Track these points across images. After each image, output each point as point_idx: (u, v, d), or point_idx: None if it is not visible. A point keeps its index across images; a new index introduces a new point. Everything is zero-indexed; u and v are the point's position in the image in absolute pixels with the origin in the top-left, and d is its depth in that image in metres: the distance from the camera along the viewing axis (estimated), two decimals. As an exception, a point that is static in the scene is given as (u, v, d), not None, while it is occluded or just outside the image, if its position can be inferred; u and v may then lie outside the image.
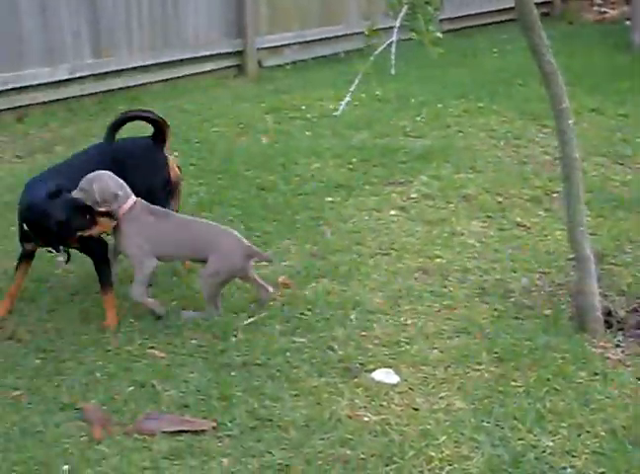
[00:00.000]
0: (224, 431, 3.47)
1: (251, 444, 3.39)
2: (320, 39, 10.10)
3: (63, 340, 4.19)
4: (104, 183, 4.19)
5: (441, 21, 9.21)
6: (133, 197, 4.29)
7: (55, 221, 4.12)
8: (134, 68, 8.46)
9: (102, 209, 4.20)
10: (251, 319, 4.27)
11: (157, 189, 4.59)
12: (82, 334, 4.24)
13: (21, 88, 7.74)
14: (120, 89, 8.35)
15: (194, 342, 4.12)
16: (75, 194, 4.18)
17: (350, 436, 3.40)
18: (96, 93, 8.21)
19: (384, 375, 3.82)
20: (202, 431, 3.47)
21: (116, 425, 3.54)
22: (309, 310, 4.35)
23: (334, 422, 3.50)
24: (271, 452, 3.34)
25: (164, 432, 3.47)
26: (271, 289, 4.43)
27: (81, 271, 4.80)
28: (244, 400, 3.65)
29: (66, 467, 3.29)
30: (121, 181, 4.27)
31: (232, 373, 3.84)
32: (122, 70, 8.37)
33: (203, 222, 4.55)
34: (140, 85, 8.49)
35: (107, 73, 8.26)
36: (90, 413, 3.61)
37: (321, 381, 3.78)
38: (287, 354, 3.97)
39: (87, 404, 3.68)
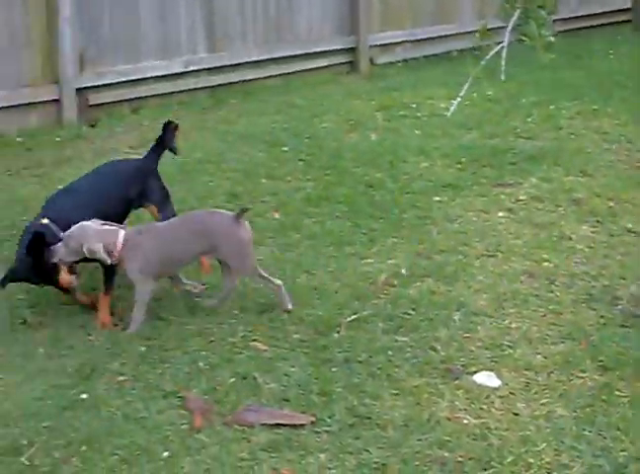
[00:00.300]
0: (323, 426, 3.48)
1: (349, 441, 3.39)
2: (432, 38, 10.05)
3: (169, 329, 4.27)
4: (91, 243, 4.17)
5: (555, 21, 9.08)
6: (121, 231, 4.28)
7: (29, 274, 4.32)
8: (248, 63, 8.56)
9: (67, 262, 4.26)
10: (354, 316, 4.28)
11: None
12: (187, 324, 4.32)
13: (137, 80, 7.94)
14: (233, 83, 8.46)
15: (296, 336, 4.15)
16: (58, 249, 4.19)
17: (448, 438, 3.37)
18: (209, 86, 8.34)
19: (486, 378, 3.77)
20: (301, 425, 3.49)
21: (216, 414, 3.59)
22: (413, 309, 4.33)
23: (433, 423, 3.47)
24: (368, 450, 3.34)
25: (263, 424, 3.50)
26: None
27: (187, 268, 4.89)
28: (344, 397, 3.66)
29: (166, 454, 3.35)
30: (101, 225, 4.25)
31: (333, 369, 3.86)
32: (236, 65, 8.48)
33: (190, 215, 4.60)
34: (253, 80, 8.59)
35: (220, 67, 8.39)
36: (191, 402, 3.67)
37: (422, 381, 3.75)
38: (389, 352, 3.96)
39: (189, 393, 3.74)
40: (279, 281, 4.38)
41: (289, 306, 4.35)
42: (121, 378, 3.90)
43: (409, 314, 4.29)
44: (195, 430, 3.51)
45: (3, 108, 7.35)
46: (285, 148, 6.59)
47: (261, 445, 3.39)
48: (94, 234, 4.21)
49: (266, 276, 4.37)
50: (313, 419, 3.52)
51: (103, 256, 4.20)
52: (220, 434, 3.46)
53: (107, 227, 4.27)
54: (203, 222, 4.34)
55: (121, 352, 4.11)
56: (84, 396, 3.77)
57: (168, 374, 3.91)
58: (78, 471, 3.30)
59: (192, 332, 4.25)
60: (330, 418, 3.52)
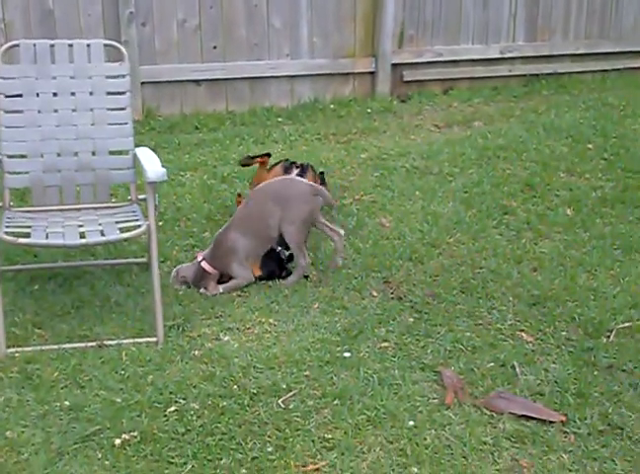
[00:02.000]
0: (572, 427, 3.42)
1: (595, 448, 3.30)
2: None
3: (439, 306, 4.34)
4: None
5: None
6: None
7: None
8: (565, 55, 8.38)
9: None
10: (627, 323, 4.13)
11: None
12: (458, 304, 4.36)
13: (452, 61, 8.01)
14: (548, 74, 8.33)
15: (564, 333, 4.07)
16: None
17: (703, 465, 3.21)
18: (523, 75, 8.26)
19: None
20: (551, 422, 3.44)
21: (468, 395, 3.62)
22: (692, 327, 4.12)
23: (690, 446, 3.31)
24: (614, 461, 3.24)
25: (512, 413, 3.49)
26: (342, 232, 4.78)
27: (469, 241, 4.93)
28: (600, 402, 3.56)
29: (411, 423, 3.43)
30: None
31: (595, 373, 3.76)
32: (553, 56, 8.33)
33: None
34: (569, 73, 8.40)
35: (537, 57, 8.27)
36: (447, 378, 3.72)
37: (686, 402, 3.58)
38: (657, 366, 3.81)
39: (446, 369, 3.79)
40: (341, 231, 4.78)
41: (339, 262, 4.75)
42: (385, 344, 4.02)
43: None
44: (444, 405, 3.56)
45: (323, 75, 7.69)
46: (590, 145, 6.41)
47: (506, 433, 3.39)
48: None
49: (329, 225, 4.75)
50: (564, 418, 3.46)
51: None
52: (468, 415, 3.49)
53: None
54: None
55: (390, 319, 4.23)
56: (347, 354, 3.93)
57: (430, 348, 3.98)
58: (327, 422, 3.46)
59: (461, 311, 4.29)
60: (581, 420, 3.45)
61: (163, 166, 4.10)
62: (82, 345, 4.06)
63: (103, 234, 4.03)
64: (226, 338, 4.13)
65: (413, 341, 4.06)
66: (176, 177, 6.02)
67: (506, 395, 3.60)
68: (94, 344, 4.06)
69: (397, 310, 4.32)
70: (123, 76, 4.48)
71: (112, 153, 4.51)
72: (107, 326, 4.23)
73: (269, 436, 3.40)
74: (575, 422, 3.44)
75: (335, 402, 3.58)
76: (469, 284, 4.54)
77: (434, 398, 3.63)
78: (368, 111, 7.58)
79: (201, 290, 4.57)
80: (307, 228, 4.63)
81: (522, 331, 4.11)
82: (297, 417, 3.50)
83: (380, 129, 7.12)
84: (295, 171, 5.26)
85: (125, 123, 4.50)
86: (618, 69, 8.56)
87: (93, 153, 4.48)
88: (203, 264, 4.60)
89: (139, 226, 4.10)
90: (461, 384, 3.69)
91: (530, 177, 5.85)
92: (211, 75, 7.39)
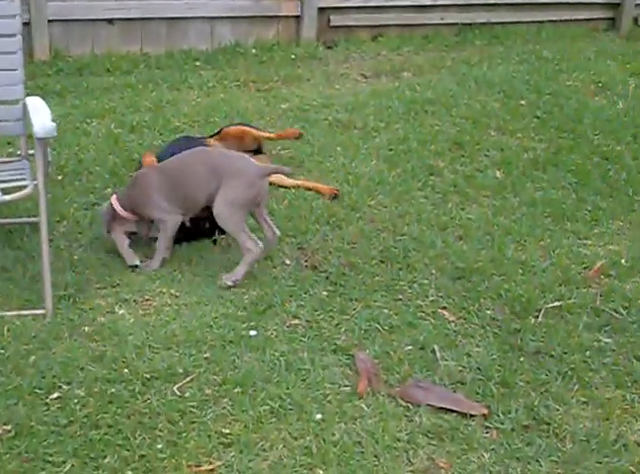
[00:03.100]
0: (495, 422, 3.13)
1: (519, 446, 3.03)
2: None
3: (355, 277, 4.01)
4: None
5: None
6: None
7: None
8: (500, 5, 8.02)
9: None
10: (557, 303, 3.85)
11: None
12: (377, 275, 4.04)
13: (382, 7, 7.59)
14: (482, 24, 7.96)
15: (489, 312, 3.78)
16: None
17: (633, 469, 2.94)
18: (455, 24, 7.88)
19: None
20: (471, 415, 3.15)
21: (382, 383, 3.31)
22: (625, 308, 3.85)
23: (619, 445, 3.04)
24: (538, 461, 2.96)
25: (430, 405, 3.19)
26: (277, 232, 4.15)
27: (390, 207, 4.61)
28: (526, 393, 3.28)
29: (319, 416, 3.11)
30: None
31: (521, 359, 3.47)
32: (489, 4, 7.96)
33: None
34: (503, 23, 8.04)
35: (471, 5, 7.90)
36: (361, 363, 3.40)
37: (617, 394, 3.31)
38: (587, 352, 3.52)
39: (360, 352, 3.47)
40: (277, 232, 4.16)
41: (277, 232, 4.15)
42: (295, 322, 3.69)
43: (619, 312, 3.82)
44: (356, 395, 3.25)
45: (245, 17, 7.22)
46: (522, 102, 6.09)
47: (422, 429, 3.09)
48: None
49: (268, 220, 4.14)
50: (486, 411, 3.17)
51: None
52: (382, 407, 3.19)
53: None
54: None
55: (303, 292, 3.90)
56: (252, 333, 3.59)
57: (344, 327, 3.66)
58: (225, 413, 3.13)
59: (380, 284, 3.97)
60: (504, 414, 3.16)
61: (55, 120, 3.67)
62: (-42, 318, 3.65)
63: (-17, 197, 3.60)
64: (121, 311, 3.75)
65: (326, 318, 3.73)
66: (81, 125, 5.56)
67: (424, 384, 3.30)
68: (-28, 317, 3.66)
69: (310, 282, 3.98)
70: (13, 16, 4.00)
71: (-1, 103, 4.05)
72: (-8, 295, 3.83)
73: (160, 430, 3.05)
74: (498, 415, 3.16)
75: (235, 390, 3.24)
76: (389, 254, 4.22)
77: (345, 386, 3.31)
78: (292, 57, 7.14)
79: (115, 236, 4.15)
80: (243, 215, 3.98)
81: (445, 309, 3.81)
82: (193, 407, 3.16)
83: (304, 77, 6.71)
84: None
85: (15, 70, 4.01)
86: (554, 21, 8.24)
87: (-22, 102, 4.02)
88: (113, 200, 4.15)
89: (25, 187, 3.66)
90: (375, 370, 3.37)
91: (459, 134, 5.51)
92: (126, 14, 6.84)
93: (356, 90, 6.37)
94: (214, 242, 4.27)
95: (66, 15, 6.67)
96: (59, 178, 4.85)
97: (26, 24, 5.88)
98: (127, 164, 5.01)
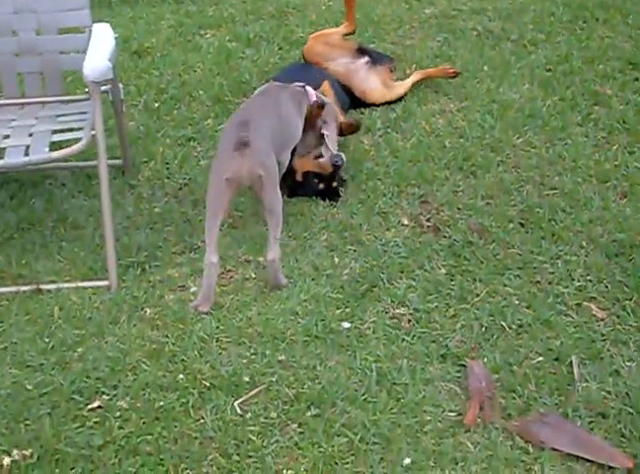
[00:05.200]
0: (641, 481, 2.36)
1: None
2: None
3: (484, 248, 3.23)
4: None
5: None
6: None
7: None
8: None
9: None
10: None
11: None
12: (511, 246, 3.26)
13: None
14: None
15: (649, 309, 2.93)
16: None
17: None
18: None
19: None
20: (610, 467, 2.38)
21: (498, 410, 2.57)
22: None
23: None
24: None
25: (556, 449, 2.43)
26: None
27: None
28: (689, 437, 2.47)
29: (408, 461, 2.41)
30: None
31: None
32: None
33: None
34: None
35: None
36: (474, 379, 2.66)
37: None
38: None
39: (475, 362, 2.73)
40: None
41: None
42: (400, 311, 2.99)
43: None
44: (462, 426, 2.53)
45: None
46: None
47: (542, 484, 2.35)
48: None
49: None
50: (631, 464, 2.39)
51: None
52: (493, 446, 2.46)
53: None
54: None
55: (417, 268, 3.19)
56: (345, 325, 2.94)
57: (460, 322, 2.92)
58: (290, 447, 2.50)
59: (514, 259, 3.21)
60: (658, 472, 2.37)
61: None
62: (13, 289, 3.13)
63: (27, 153, 3.01)
64: (194, 288, 3.13)
65: (440, 306, 2.99)
66: (193, 37, 4.89)
67: (551, 419, 2.52)
68: (27, 288, 3.13)
69: (429, 252, 3.24)
70: None
71: (62, 31, 3.42)
72: (52, 260, 3.29)
73: (209, 464, 2.46)
74: (646, 472, 2.38)
75: (309, 413, 2.59)
76: (531, 215, 3.39)
77: (450, 411, 2.60)
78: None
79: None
80: (219, 191, 3.07)
81: (593, 300, 2.98)
82: (253, 434, 2.54)
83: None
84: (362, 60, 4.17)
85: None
86: None
87: (37, 32, 3.40)
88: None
89: (80, 139, 3.05)
90: (491, 391, 2.63)
91: (635, 51, 4.47)
92: None
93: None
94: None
95: None
96: (156, 105, 4.23)
97: None
98: (234, 88, 4.33)
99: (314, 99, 3.56)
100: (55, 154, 3.00)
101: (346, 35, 4.31)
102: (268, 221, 3.11)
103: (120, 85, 3.53)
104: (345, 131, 3.73)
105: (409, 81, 4.23)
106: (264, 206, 3.13)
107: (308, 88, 3.61)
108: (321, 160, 3.55)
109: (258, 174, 3.04)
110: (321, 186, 3.54)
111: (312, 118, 3.54)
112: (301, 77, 3.76)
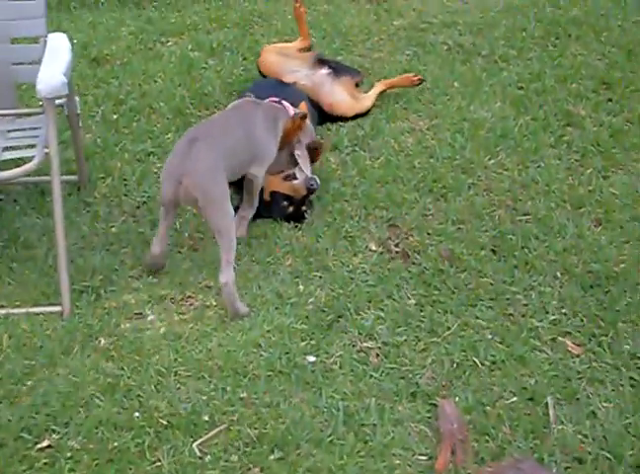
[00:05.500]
0: None
1: None
2: None
3: (455, 276, 3.11)
4: None
5: None
6: None
7: None
8: None
9: None
10: None
11: None
12: (484, 274, 3.13)
13: None
14: None
15: (627, 347, 2.82)
16: None
17: None
18: None
19: None
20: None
21: (471, 454, 2.45)
22: None
23: None
24: None
25: (532, 502, 2.32)
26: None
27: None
28: (670, 487, 2.36)
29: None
30: None
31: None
32: None
33: None
34: None
35: None
36: (445, 421, 2.53)
37: None
38: None
39: (447, 402, 2.60)
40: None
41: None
42: (368, 344, 2.86)
43: None
44: (434, 471, 2.40)
45: None
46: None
47: None
48: None
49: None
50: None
51: None
52: (464, 498, 2.33)
53: None
54: None
55: (385, 297, 3.05)
56: (310, 359, 2.80)
57: (430, 357, 2.80)
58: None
59: (487, 289, 3.09)
60: (637, 526, 2.27)
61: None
62: (-42, 316, 2.97)
63: (-26, 170, 2.85)
64: (151, 316, 2.98)
65: (409, 339, 2.86)
66: (154, 45, 4.73)
67: (526, 466, 2.39)
68: (-26, 314, 2.96)
69: (397, 280, 3.11)
70: None
71: (15, 41, 3.25)
72: (1, 283, 3.12)
73: (162, 516, 2.30)
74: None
75: (272, 456, 2.45)
76: (504, 242, 3.28)
77: (421, 454, 2.47)
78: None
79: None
80: (165, 210, 3.08)
81: (568, 335, 2.87)
82: None
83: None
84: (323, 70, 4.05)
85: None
86: None
87: (-11, 41, 3.24)
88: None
89: (32, 158, 2.88)
90: (463, 434, 2.50)
91: (609, 70, 4.38)
92: None
93: (486, 4, 5.23)
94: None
95: None
96: (114, 117, 4.06)
97: None
98: (196, 100, 4.17)
99: (292, 112, 3.44)
100: (6, 174, 2.82)
101: (301, 50, 4.19)
102: (218, 243, 2.98)
103: (77, 98, 3.36)
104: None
105: (373, 92, 4.12)
106: (210, 228, 3.03)
107: (285, 103, 3.48)
108: (295, 182, 3.41)
109: (194, 197, 2.94)
110: (290, 209, 3.40)
111: (294, 132, 3.41)
112: (277, 94, 3.63)
